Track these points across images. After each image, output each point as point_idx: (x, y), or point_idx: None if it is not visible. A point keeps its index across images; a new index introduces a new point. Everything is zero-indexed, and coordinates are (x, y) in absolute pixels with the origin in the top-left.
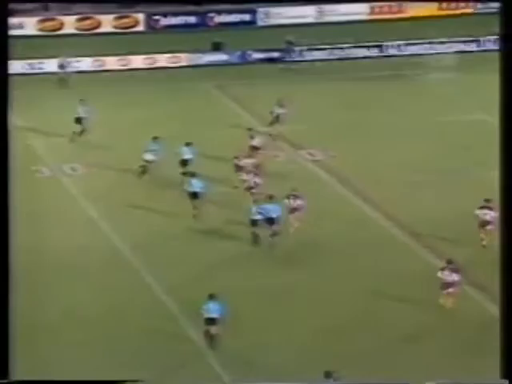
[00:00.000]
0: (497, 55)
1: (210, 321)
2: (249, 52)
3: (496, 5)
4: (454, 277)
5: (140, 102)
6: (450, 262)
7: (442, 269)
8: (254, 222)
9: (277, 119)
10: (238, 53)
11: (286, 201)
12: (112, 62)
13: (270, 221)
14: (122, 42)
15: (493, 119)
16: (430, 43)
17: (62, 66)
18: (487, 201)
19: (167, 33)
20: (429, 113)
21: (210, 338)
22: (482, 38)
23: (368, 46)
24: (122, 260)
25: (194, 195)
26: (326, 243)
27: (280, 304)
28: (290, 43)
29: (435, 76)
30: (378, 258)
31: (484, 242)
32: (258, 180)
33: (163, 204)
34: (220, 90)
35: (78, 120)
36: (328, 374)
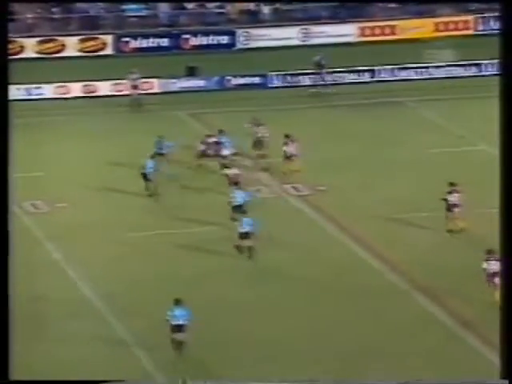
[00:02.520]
0: (498, 80)
1: (177, 328)
2: (227, 77)
3: (497, 26)
4: (498, 265)
5: (106, 132)
6: (491, 251)
7: (487, 259)
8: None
9: (260, 142)
10: (216, 78)
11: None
12: (77, 89)
13: (245, 235)
14: (87, 67)
15: (493, 150)
16: (425, 67)
17: (134, 87)
18: (452, 184)
19: (138, 56)
20: (424, 143)
21: (178, 346)
22: (482, 62)
23: (358, 71)
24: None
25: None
26: (310, 284)
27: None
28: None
29: (431, 103)
30: (367, 300)
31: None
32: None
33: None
34: (195, 119)
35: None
36: None
